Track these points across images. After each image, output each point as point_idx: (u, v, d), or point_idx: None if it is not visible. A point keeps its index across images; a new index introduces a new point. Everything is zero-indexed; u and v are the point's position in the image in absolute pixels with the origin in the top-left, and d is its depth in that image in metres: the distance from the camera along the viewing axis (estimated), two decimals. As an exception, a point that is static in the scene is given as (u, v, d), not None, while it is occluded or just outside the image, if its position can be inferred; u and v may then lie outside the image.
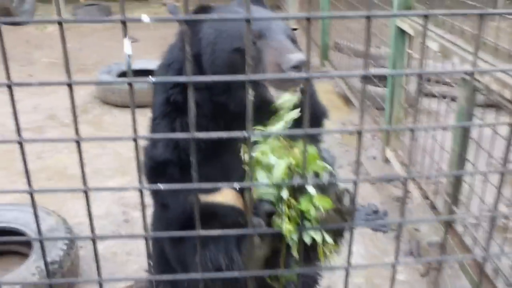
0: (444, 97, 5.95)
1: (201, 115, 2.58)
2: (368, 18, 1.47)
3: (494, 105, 4.53)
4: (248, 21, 1.38)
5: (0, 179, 6.95)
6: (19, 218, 5.05)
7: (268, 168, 1.95)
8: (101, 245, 5.51)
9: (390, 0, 6.56)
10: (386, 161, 7.05)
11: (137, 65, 10.06)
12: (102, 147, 7.95)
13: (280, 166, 1.90)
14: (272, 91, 2.48)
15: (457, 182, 4.87)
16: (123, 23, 1.41)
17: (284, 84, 2.45)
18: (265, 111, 2.30)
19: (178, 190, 2.74)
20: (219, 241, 2.49)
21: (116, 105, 9.38)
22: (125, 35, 1.40)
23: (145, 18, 1.42)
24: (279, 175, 1.89)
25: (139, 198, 1.58)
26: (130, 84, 1.47)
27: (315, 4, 11.06)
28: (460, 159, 4.80)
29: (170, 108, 2.72)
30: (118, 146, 7.99)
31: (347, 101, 9.45)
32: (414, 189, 6.00)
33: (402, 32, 6.24)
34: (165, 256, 3.21)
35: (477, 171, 4.75)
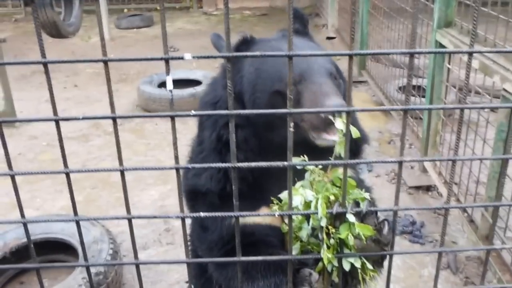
0: (484, 108, 5.96)
1: (248, 151, 2.69)
2: (411, 55, 1.54)
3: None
4: (290, 58, 1.45)
5: (46, 188, 7.09)
6: (65, 229, 5.16)
7: (307, 204, 2.01)
8: (143, 254, 5.61)
9: (431, 10, 6.58)
10: (424, 170, 7.06)
11: (178, 74, 10.19)
12: (144, 155, 8.09)
13: (318, 201, 1.96)
14: (312, 134, 2.49)
15: (496, 197, 4.87)
16: (166, 61, 1.49)
17: (321, 129, 2.45)
18: (313, 148, 2.39)
19: (215, 218, 2.86)
20: (267, 276, 2.53)
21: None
22: (168, 73, 1.49)
23: (187, 56, 1.50)
24: (319, 210, 1.94)
25: (181, 223, 1.67)
26: (172, 118, 1.56)
27: (355, 13, 11.08)
28: (500, 174, 4.81)
29: (221, 145, 2.75)
30: (160, 154, 8.13)
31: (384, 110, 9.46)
32: (452, 201, 6.00)
33: (441, 47, 6.24)
34: (203, 267, 3.30)
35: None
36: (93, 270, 4.60)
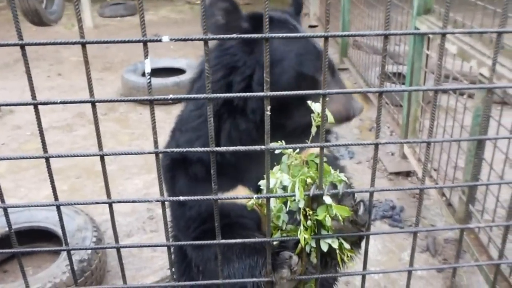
0: (462, 94, 6.04)
1: (253, 122, 2.72)
2: (386, 36, 1.60)
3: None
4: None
5: (30, 178, 7.13)
6: (49, 217, 5.21)
7: (284, 188, 2.05)
8: (127, 241, 5.65)
9: (411, 0, 6.64)
10: (404, 157, 7.14)
11: (162, 63, 10.21)
12: (128, 144, 8.12)
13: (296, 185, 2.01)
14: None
15: (472, 179, 4.95)
16: (145, 43, 1.54)
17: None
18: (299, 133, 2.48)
19: (196, 191, 2.84)
20: (242, 258, 2.54)
21: (141, 103, 9.52)
22: (146, 56, 1.54)
23: (165, 38, 1.54)
24: (296, 193, 1.98)
25: (162, 208, 1.72)
26: (151, 102, 1.62)
27: (336, 1, 11.14)
28: (477, 158, 4.88)
29: (224, 110, 2.72)
30: (144, 143, 8.15)
31: (365, 97, 9.50)
32: (428, 183, 6.08)
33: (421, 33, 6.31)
34: (183, 251, 3.34)
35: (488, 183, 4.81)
36: (77, 257, 4.65)
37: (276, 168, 2.15)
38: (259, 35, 1.56)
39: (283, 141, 2.07)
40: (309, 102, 2.13)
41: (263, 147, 1.70)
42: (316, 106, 2.11)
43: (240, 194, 2.80)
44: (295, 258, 2.11)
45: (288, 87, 2.68)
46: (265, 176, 1.85)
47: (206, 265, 2.89)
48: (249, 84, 2.69)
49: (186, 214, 2.91)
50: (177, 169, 2.95)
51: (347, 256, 2.12)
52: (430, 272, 5.27)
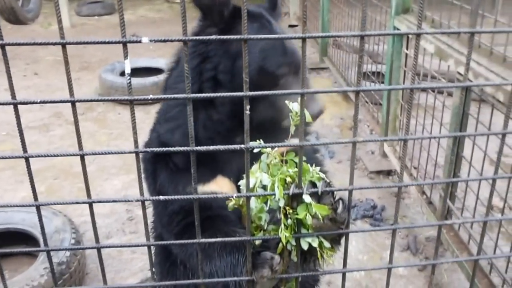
0: (441, 92, 6.04)
1: (225, 115, 2.77)
2: (362, 37, 1.59)
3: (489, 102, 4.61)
4: (245, 41, 1.48)
5: (7, 179, 7.05)
6: (26, 219, 5.14)
7: (264, 187, 2.04)
8: (106, 243, 5.59)
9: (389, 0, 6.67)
10: (384, 156, 7.16)
11: (140, 63, 10.17)
12: (106, 144, 8.07)
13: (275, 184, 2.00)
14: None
15: (451, 176, 4.96)
16: (124, 44, 1.52)
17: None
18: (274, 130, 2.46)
19: (178, 183, 2.87)
20: (223, 255, 2.54)
21: (120, 103, 9.50)
22: (126, 56, 1.51)
23: (145, 39, 1.52)
24: (276, 192, 1.97)
25: (141, 208, 1.70)
26: (131, 102, 1.59)
27: (315, 1, 11.14)
28: (456, 155, 4.90)
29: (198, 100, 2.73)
30: (123, 143, 8.11)
31: (346, 96, 9.55)
32: (408, 180, 6.09)
33: (399, 33, 6.32)
34: (167, 251, 3.32)
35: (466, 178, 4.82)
36: (55, 259, 4.60)
37: (255, 166, 2.13)
38: (238, 37, 1.54)
39: (261, 140, 2.06)
40: (287, 101, 2.13)
41: (242, 146, 1.68)
42: (294, 106, 2.11)
43: (221, 192, 2.81)
44: (277, 258, 2.11)
45: (249, 81, 2.65)
46: (244, 174, 1.84)
47: (190, 261, 2.89)
48: (216, 73, 2.74)
49: (169, 208, 2.92)
50: (158, 162, 2.96)
51: (327, 254, 2.12)
52: (411, 271, 5.28)
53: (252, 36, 1.54)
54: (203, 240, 1.86)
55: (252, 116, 2.76)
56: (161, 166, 2.93)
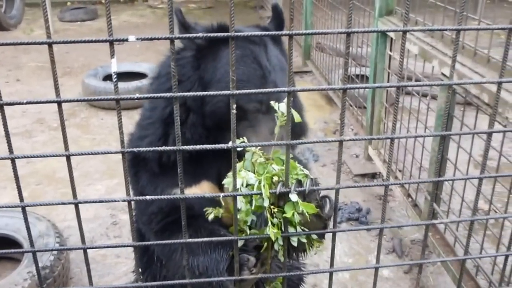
0: (425, 95, 6.06)
1: (195, 134, 2.74)
2: (348, 34, 1.58)
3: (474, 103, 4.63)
4: (232, 38, 1.47)
5: (-11, 185, 6.99)
6: (9, 224, 5.10)
7: (250, 187, 2.03)
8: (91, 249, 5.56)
9: (373, 2, 6.68)
10: (369, 159, 7.16)
11: (123, 67, 10.13)
12: (90, 150, 8.02)
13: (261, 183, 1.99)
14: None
15: (435, 177, 4.96)
16: (111, 43, 1.50)
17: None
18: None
19: (157, 185, 2.89)
20: (208, 251, 2.56)
21: (103, 108, 9.45)
22: (112, 55, 1.50)
23: (132, 38, 1.51)
24: (263, 191, 1.96)
25: (127, 207, 1.68)
26: (117, 101, 1.57)
27: (298, 4, 11.16)
28: (441, 158, 4.90)
29: (170, 120, 2.73)
30: (106, 149, 8.06)
31: (329, 100, 9.57)
32: (395, 187, 6.11)
33: (383, 35, 6.35)
34: (151, 256, 3.32)
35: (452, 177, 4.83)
36: (39, 264, 4.56)
37: (239, 165, 2.12)
38: (226, 34, 1.53)
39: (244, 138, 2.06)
40: (272, 102, 2.13)
41: (229, 145, 1.68)
42: (280, 106, 2.10)
43: (207, 193, 2.80)
44: (252, 260, 2.17)
45: (218, 110, 2.71)
46: (227, 174, 1.91)
47: (172, 257, 2.91)
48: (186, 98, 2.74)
49: (149, 209, 2.96)
50: (139, 164, 2.99)
51: (315, 246, 2.13)
52: (397, 273, 5.28)
53: (238, 34, 1.53)
54: (189, 240, 1.86)
55: (219, 141, 2.75)
56: (141, 169, 2.96)
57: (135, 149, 1.69)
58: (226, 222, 2.65)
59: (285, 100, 2.06)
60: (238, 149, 1.79)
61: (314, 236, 2.09)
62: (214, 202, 2.65)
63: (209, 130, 2.76)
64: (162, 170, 2.83)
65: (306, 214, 1.96)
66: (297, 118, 2.02)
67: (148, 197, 1.76)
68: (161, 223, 2.88)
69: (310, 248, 2.15)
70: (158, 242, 2.91)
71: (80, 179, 7.01)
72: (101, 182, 7.07)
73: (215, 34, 1.59)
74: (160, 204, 2.86)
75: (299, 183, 1.97)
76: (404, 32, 1.62)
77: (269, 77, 2.74)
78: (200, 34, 1.59)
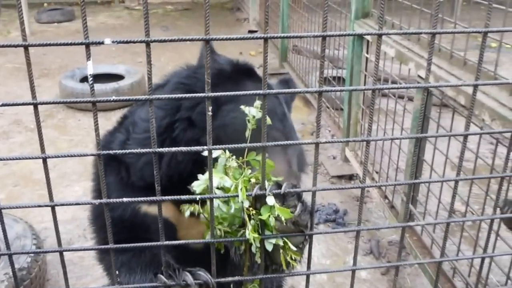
0: (402, 97, 6.09)
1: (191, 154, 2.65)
2: (323, 38, 1.59)
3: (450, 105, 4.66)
4: (207, 41, 1.47)
5: (-34, 187, 6.94)
6: (-15, 226, 5.05)
7: (227, 190, 2.02)
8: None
9: (349, 4, 6.71)
10: (346, 160, 7.19)
11: (100, 69, 10.10)
12: (67, 151, 7.99)
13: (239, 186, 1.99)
14: None
15: (411, 179, 4.98)
16: (87, 46, 1.50)
17: None
18: None
19: (124, 194, 2.74)
20: (146, 271, 2.58)
21: (80, 109, 9.42)
22: (88, 58, 1.50)
23: (107, 40, 1.51)
24: (239, 194, 1.96)
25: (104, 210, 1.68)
26: (94, 103, 1.57)
27: (275, 6, 11.18)
28: (417, 159, 4.93)
29: (167, 135, 2.67)
30: (83, 150, 8.03)
31: (306, 102, 9.60)
32: (372, 188, 6.13)
33: (360, 37, 6.37)
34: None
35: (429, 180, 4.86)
36: (16, 265, 4.53)
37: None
38: (199, 37, 1.54)
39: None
40: (242, 106, 2.13)
41: (205, 147, 1.68)
42: (251, 109, 2.10)
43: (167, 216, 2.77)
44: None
45: (233, 126, 2.64)
46: (200, 178, 1.91)
47: (109, 271, 2.91)
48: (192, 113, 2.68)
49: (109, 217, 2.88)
50: (108, 165, 2.85)
51: (291, 258, 2.12)
52: (374, 275, 5.30)
53: (225, 37, 1.53)
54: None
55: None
56: (110, 170, 2.84)
57: (111, 151, 1.69)
58: (191, 243, 2.64)
59: (256, 103, 2.08)
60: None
61: (292, 247, 2.08)
62: (171, 226, 2.66)
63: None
64: (138, 180, 2.76)
65: (282, 218, 1.96)
66: (269, 121, 2.03)
67: (125, 199, 1.76)
68: (116, 236, 2.78)
69: (286, 258, 2.13)
70: (137, 244, 2.87)
71: (57, 181, 6.98)
72: (79, 183, 7.04)
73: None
74: (123, 214, 2.78)
75: (277, 185, 1.97)
76: (380, 35, 1.63)
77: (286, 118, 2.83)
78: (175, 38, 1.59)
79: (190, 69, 2.85)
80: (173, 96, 1.78)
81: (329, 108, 8.32)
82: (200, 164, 2.60)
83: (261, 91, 1.63)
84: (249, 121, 2.11)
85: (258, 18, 14.99)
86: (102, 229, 3.00)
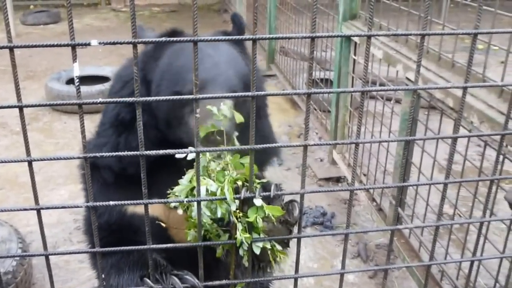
0: (390, 99, 6.09)
1: (146, 138, 2.65)
2: (312, 39, 1.57)
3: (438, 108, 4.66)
4: (195, 43, 1.45)
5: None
6: (-30, 229, 5.02)
7: (212, 193, 2.00)
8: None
9: (337, 6, 6.71)
10: (333, 163, 7.18)
11: (87, 71, 10.06)
12: (53, 154, 7.94)
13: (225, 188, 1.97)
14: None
15: (400, 182, 4.98)
16: (73, 47, 1.48)
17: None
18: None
19: (109, 198, 2.77)
20: (134, 270, 2.56)
21: (66, 112, 9.37)
22: (74, 59, 1.48)
23: (94, 42, 1.49)
24: (227, 196, 1.94)
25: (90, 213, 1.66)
26: (80, 106, 1.55)
27: (262, 8, 11.17)
28: (406, 162, 4.92)
29: (118, 123, 2.72)
30: (69, 153, 7.98)
31: (294, 103, 9.60)
32: (360, 191, 6.13)
33: (347, 39, 6.36)
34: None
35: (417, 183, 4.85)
36: (1, 269, 4.51)
37: (190, 172, 2.09)
38: (188, 38, 1.52)
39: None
40: (209, 106, 2.11)
41: (192, 149, 1.66)
42: (223, 109, 2.09)
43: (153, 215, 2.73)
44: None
45: (166, 108, 2.67)
46: (180, 182, 1.93)
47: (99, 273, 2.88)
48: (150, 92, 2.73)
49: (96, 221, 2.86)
50: (92, 173, 2.85)
51: (280, 258, 2.11)
52: (362, 278, 5.28)
53: (202, 38, 1.51)
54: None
55: (171, 139, 2.72)
56: (93, 179, 2.85)
57: (97, 154, 1.66)
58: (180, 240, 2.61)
59: (226, 101, 2.07)
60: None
61: (279, 247, 2.07)
62: (160, 222, 2.64)
63: (161, 131, 2.72)
64: (117, 180, 2.77)
65: (272, 217, 1.94)
66: (239, 118, 2.02)
67: (112, 203, 1.73)
68: (104, 240, 2.74)
69: (275, 259, 2.13)
70: (125, 248, 2.86)
71: (43, 184, 6.94)
72: (65, 187, 7.00)
73: (179, 39, 1.58)
74: (109, 219, 2.79)
75: (264, 188, 1.96)
76: (369, 36, 1.62)
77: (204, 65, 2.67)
78: (163, 39, 1.57)
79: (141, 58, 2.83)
80: (160, 98, 1.75)
81: (316, 110, 8.32)
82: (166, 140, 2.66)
83: (250, 93, 1.61)
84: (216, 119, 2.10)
85: (245, 20, 14.98)
86: (91, 233, 3.01)
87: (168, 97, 1.68)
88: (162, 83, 2.68)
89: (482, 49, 4.71)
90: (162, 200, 1.86)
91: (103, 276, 2.86)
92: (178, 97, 1.72)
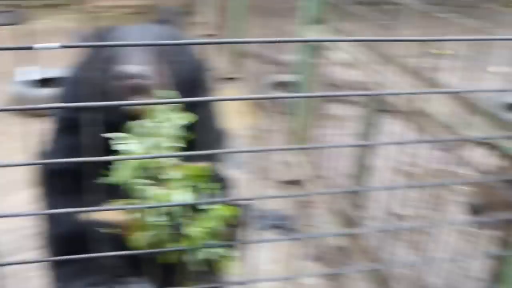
0: (350, 103, 6.15)
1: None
2: (278, 42, 1.60)
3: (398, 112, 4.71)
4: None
5: None
6: None
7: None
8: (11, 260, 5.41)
9: (301, 10, 6.74)
10: (294, 165, 7.20)
11: (46, 73, 9.98)
12: (12, 157, 7.86)
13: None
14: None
15: (356, 186, 5.03)
16: (35, 50, 1.49)
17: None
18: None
19: (67, 204, 2.75)
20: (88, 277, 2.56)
21: (26, 114, 9.28)
22: (35, 64, 1.50)
23: (55, 45, 1.50)
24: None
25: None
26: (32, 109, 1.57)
27: (229, 11, 11.18)
28: (362, 165, 4.98)
29: (62, 126, 2.84)
30: (27, 157, 7.90)
31: (254, 106, 9.58)
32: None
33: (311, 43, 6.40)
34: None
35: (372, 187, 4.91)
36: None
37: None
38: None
39: None
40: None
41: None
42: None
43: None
44: None
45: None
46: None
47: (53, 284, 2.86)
48: None
49: (51, 231, 2.85)
50: (51, 181, 3.02)
51: (224, 264, 2.14)
52: (319, 281, 5.31)
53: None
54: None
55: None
56: (53, 185, 2.97)
57: (56, 160, 1.67)
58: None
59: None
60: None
61: (225, 253, 2.09)
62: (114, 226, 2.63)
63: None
64: (76, 184, 2.66)
65: (223, 219, 1.96)
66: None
67: (71, 210, 1.75)
68: (64, 249, 2.70)
69: (222, 263, 2.14)
70: (76, 257, 2.83)
71: (1, 188, 6.86)
72: (23, 191, 6.91)
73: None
74: (68, 229, 2.77)
75: (214, 194, 1.97)
76: (332, 41, 1.65)
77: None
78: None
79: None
80: (141, 102, 1.77)
81: (278, 113, 8.34)
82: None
83: (215, 97, 1.64)
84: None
85: (215, 22, 14.97)
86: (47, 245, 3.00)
87: (147, 101, 1.70)
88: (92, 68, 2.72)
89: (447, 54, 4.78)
90: (110, 208, 1.87)
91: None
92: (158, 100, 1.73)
